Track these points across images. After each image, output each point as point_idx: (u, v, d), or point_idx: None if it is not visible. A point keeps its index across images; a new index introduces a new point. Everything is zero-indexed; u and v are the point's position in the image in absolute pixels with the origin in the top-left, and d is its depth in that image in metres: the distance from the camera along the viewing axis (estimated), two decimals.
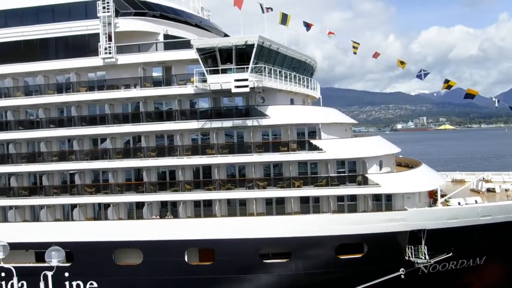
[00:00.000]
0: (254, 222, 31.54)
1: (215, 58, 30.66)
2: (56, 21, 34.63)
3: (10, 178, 35.45)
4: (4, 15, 35.86)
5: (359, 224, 30.31)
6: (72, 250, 31.53)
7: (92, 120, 33.96)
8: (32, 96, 34.88)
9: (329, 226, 30.48)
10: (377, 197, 31.38)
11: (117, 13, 33.53)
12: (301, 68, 36.83)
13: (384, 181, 30.75)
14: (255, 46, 29.65)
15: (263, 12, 35.00)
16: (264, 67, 31.08)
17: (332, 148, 31.12)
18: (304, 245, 30.58)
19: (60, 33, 34.46)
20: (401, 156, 40.63)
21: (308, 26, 36.36)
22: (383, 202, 31.37)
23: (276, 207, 32.28)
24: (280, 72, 32.57)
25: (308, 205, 32.21)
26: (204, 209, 33.11)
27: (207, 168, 33.00)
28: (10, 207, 35.22)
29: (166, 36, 34.64)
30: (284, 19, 35.15)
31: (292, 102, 35.24)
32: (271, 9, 35.24)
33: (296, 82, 35.00)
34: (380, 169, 32.49)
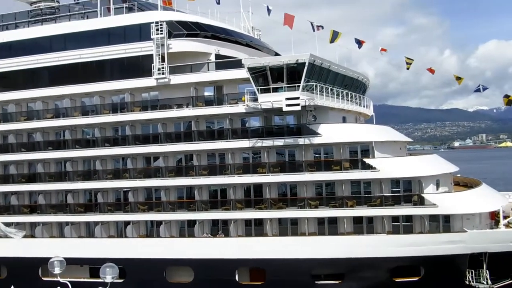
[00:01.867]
0: (306, 242, 31.88)
1: (266, 77, 31.53)
2: (112, 43, 36.69)
3: (67, 195, 37.54)
4: (63, 39, 38.43)
5: (416, 246, 30.00)
6: (125, 266, 32.77)
7: (145, 139, 35.60)
8: (89, 116, 36.99)
9: (384, 247, 30.38)
10: (434, 218, 31.01)
11: (170, 35, 35.14)
12: (353, 85, 37.21)
13: (442, 201, 30.41)
14: (306, 64, 30.34)
15: (313, 30, 35.84)
16: (316, 85, 31.65)
17: (386, 166, 31.16)
18: (358, 266, 30.57)
19: (115, 55, 36.48)
20: (459, 175, 39.89)
21: (360, 43, 36.81)
22: (441, 223, 30.98)
23: (328, 227, 32.51)
24: (331, 90, 33.07)
25: (361, 225, 32.24)
26: (255, 228, 33.78)
27: (258, 187, 33.75)
28: (67, 223, 37.27)
29: (218, 56, 36.00)
30: (335, 37, 35.80)
31: (344, 120, 35.62)
32: (322, 27, 36.04)
33: (348, 100, 35.36)
34: (437, 189, 32.16)
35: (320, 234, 32.37)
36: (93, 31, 37.53)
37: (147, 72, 35.15)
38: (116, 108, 36.63)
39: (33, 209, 38.64)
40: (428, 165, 33.22)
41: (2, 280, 37.48)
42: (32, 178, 38.45)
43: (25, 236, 38.21)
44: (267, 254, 31.84)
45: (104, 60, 36.83)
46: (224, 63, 35.24)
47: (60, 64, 37.93)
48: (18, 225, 38.37)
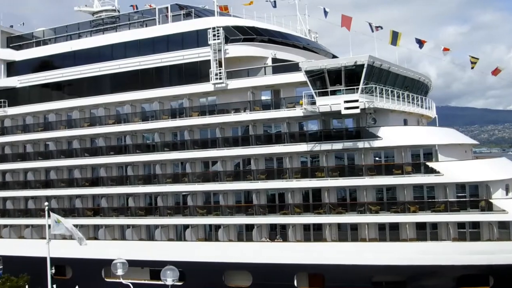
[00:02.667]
0: (366, 247, 31.43)
1: (324, 80, 31.41)
2: (170, 50, 37.76)
3: (128, 199, 38.90)
4: (123, 47, 39.92)
5: (484, 254, 28.85)
6: (184, 269, 33.56)
7: (203, 144, 36.34)
8: (148, 122, 38.17)
9: (449, 255, 29.44)
10: (503, 225, 29.76)
11: (227, 40, 35.72)
12: (414, 86, 36.39)
13: None
14: (365, 66, 29.97)
15: (372, 31, 35.29)
16: (375, 87, 31.21)
17: (451, 170, 30.24)
18: (421, 274, 29.80)
19: (173, 61, 37.53)
20: None
21: (421, 43, 35.91)
22: (511, 230, 29.67)
23: (390, 232, 31.90)
24: (392, 91, 32.50)
25: (424, 232, 31.42)
26: (314, 233, 33.67)
27: (317, 191, 33.61)
28: (128, 226, 38.60)
29: (275, 60, 36.24)
30: (395, 37, 35.06)
31: (405, 123, 34.85)
32: (381, 28, 35.43)
33: (409, 102, 34.61)
34: (507, 194, 30.84)
35: (381, 240, 31.81)
36: (152, 39, 38.78)
37: (205, 78, 35.88)
38: (175, 114, 37.62)
39: (96, 212, 40.31)
40: (496, 168, 31.93)
41: (67, 280, 39.20)
42: (95, 182, 40.13)
43: (88, 238, 39.82)
44: (326, 259, 31.64)
45: (163, 66, 37.95)
46: (281, 66, 35.42)
47: (120, 71, 39.40)
48: (82, 227, 40.02)
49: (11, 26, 48.90)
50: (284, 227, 34.21)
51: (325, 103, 31.22)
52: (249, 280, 33.71)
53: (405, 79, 35.04)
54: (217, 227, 35.67)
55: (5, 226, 43.74)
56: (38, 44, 45.46)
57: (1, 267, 41.96)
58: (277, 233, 34.50)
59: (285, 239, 33.73)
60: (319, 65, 31.50)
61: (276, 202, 34.80)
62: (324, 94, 31.39)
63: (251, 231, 34.62)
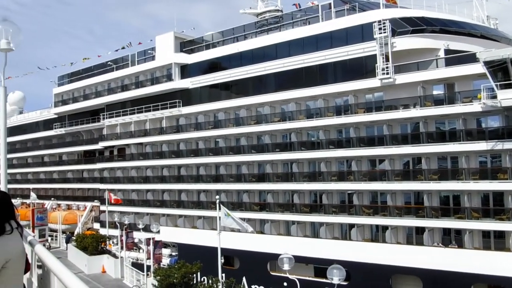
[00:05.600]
0: None
1: (507, 71, 28.37)
2: (334, 46, 37.49)
3: (293, 195, 39.64)
4: (287, 46, 40.70)
5: None
6: (349, 269, 33.02)
7: (370, 141, 35.44)
8: (313, 119, 38.41)
9: None
10: None
11: (394, 33, 34.31)
12: None
13: None
14: None
15: None
16: None
17: None
18: None
19: (338, 58, 37.18)
20: None
21: None
22: None
23: None
24: None
25: None
26: (494, 241, 30.74)
27: (498, 195, 30.63)
28: (293, 222, 39.34)
29: (447, 51, 33.81)
30: None
31: None
32: None
33: None
34: None
35: None
36: (315, 36, 38.90)
37: (371, 73, 34.97)
38: (339, 111, 37.31)
39: (262, 207, 41.85)
40: None
41: (235, 270, 41.39)
42: (261, 178, 41.67)
43: (254, 232, 41.64)
44: (509, 271, 28.57)
45: (327, 63, 37.83)
46: (455, 58, 32.88)
47: (285, 70, 40.27)
48: (249, 221, 41.88)
49: (183, 32, 53.11)
50: (459, 232, 31.81)
51: (509, 97, 28.19)
52: (418, 287, 31.99)
53: None
54: (385, 228, 34.55)
55: (180, 216, 47.77)
56: (207, 47, 48.70)
57: (176, 253, 45.93)
58: (452, 238, 32.19)
59: (460, 245, 31.31)
60: (501, 55, 28.46)
61: (450, 205, 32.50)
62: (507, 86, 28.31)
63: (421, 235, 32.85)
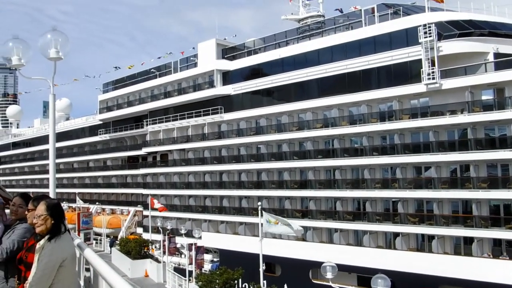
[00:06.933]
0: None
1: None
2: (378, 51, 37.04)
3: (336, 202, 39.33)
4: (330, 51, 40.53)
5: None
6: (394, 279, 32.46)
7: (415, 148, 34.79)
8: (356, 125, 38.04)
9: None
10: None
11: (440, 36, 33.65)
12: None
13: None
14: None
15: None
16: None
17: None
18: None
19: (381, 63, 36.73)
20: None
21: None
22: None
23: None
24: None
25: None
26: None
27: None
28: (336, 230, 39.01)
29: (497, 55, 32.85)
30: None
31: None
32: None
33: None
34: None
35: None
36: (358, 41, 38.59)
37: (416, 78, 34.41)
38: (383, 116, 36.80)
39: (304, 214, 41.69)
40: None
41: (276, 278, 41.33)
42: (303, 184, 41.57)
43: (296, 239, 41.50)
44: None
45: (370, 68, 37.43)
46: (505, 62, 31.90)
47: (327, 75, 40.08)
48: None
49: (225, 39, 53.74)
50: (510, 243, 30.70)
51: None
52: None
53: None
54: (431, 237, 33.75)
55: (222, 222, 48.18)
56: (249, 53, 49.09)
57: (218, 259, 46.31)
58: (502, 249, 31.10)
59: None
60: None
61: (500, 214, 31.45)
62: None
63: (470, 245, 31.95)
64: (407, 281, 32.89)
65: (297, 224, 40.64)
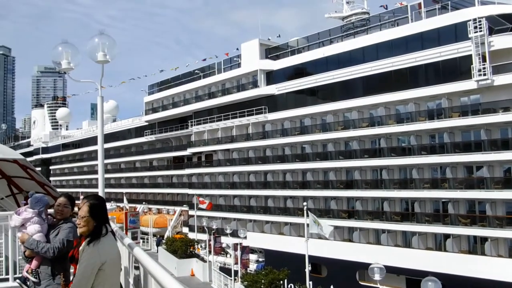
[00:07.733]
0: None
1: None
2: (425, 48, 36.25)
3: (383, 203, 38.77)
4: (375, 49, 39.95)
5: None
6: (445, 282, 31.64)
7: (466, 147, 33.90)
8: (404, 124, 37.36)
9: None
10: None
11: (491, 31, 32.65)
12: None
13: None
14: None
15: None
16: None
17: None
18: None
19: (429, 60, 35.92)
20: None
21: None
22: None
23: None
24: None
25: None
26: None
27: None
28: (383, 231, 38.46)
29: None
30: None
31: None
32: None
33: None
34: None
35: None
36: (404, 38, 37.88)
37: (465, 75, 33.55)
38: (432, 115, 36.05)
39: (350, 214, 41.32)
40: None
41: (322, 279, 41.14)
42: (349, 184, 41.21)
43: (342, 240, 41.22)
44: None
45: (418, 65, 36.69)
46: None
47: (373, 73, 39.54)
48: (337, 228, 41.54)
49: (269, 39, 53.89)
50: None
51: None
52: None
53: None
54: (484, 239, 32.76)
55: (267, 222, 48.37)
56: (292, 53, 49.06)
57: (263, 259, 46.51)
58: None
59: None
60: None
61: None
62: None
63: None
64: (459, 285, 32.07)
65: (342, 224, 40.81)
